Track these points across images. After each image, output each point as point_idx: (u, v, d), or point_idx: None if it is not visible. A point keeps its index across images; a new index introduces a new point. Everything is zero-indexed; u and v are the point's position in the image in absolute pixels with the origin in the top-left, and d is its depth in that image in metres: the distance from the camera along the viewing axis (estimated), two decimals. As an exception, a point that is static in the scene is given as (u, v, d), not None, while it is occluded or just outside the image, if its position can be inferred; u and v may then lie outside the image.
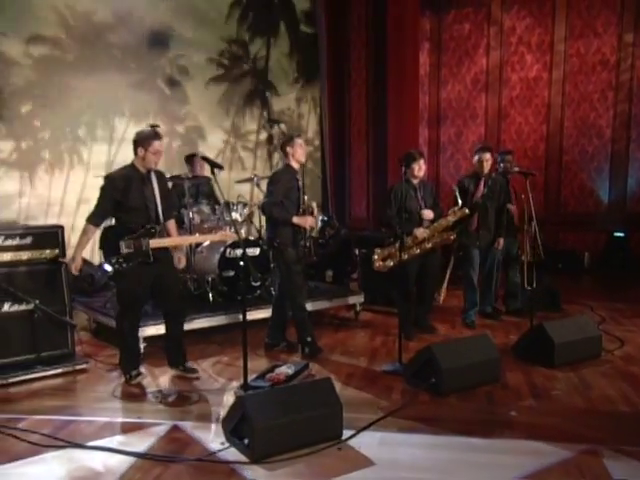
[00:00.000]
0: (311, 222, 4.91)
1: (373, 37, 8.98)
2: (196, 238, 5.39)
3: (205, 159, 4.42)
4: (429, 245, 5.38)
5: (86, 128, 7.63)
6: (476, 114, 9.47)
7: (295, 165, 4.88)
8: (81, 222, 4.36)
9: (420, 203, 5.42)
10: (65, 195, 7.47)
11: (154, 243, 4.12)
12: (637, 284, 8.05)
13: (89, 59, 7.57)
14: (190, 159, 6.71)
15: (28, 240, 4.59)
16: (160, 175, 4.37)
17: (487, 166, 5.74)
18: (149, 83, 8.09)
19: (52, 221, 7.29)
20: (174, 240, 4.51)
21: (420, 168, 5.36)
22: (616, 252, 8.80)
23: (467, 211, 5.42)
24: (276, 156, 9.29)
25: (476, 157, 5.78)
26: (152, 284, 4.24)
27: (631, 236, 8.85)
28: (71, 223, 7.29)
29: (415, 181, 5.42)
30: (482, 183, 5.75)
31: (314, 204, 5.18)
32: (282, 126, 8.05)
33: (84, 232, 4.23)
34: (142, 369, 4.46)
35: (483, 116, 9.44)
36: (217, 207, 6.04)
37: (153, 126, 5.80)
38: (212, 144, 8.60)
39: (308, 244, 4.76)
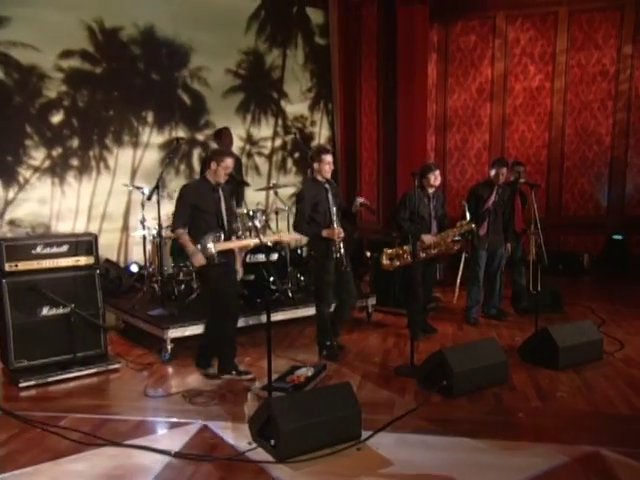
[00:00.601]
0: (337, 232, 4.80)
1: (383, 48, 8.98)
2: (254, 241, 5.11)
3: (231, 176, 4.53)
4: (434, 251, 5.45)
5: (112, 136, 7.74)
6: (481, 122, 9.49)
7: (321, 179, 4.90)
8: (107, 226, 4.49)
9: (431, 212, 5.49)
10: (93, 200, 7.57)
11: (220, 246, 4.30)
12: (635, 285, 8.10)
13: (115, 71, 7.68)
14: (219, 133, 6.66)
15: (64, 248, 4.71)
16: (226, 188, 4.53)
17: (502, 178, 5.94)
18: (171, 93, 8.17)
19: (80, 224, 7.46)
20: (239, 243, 4.71)
21: (436, 178, 5.45)
22: (615, 254, 8.85)
23: (473, 226, 5.49)
24: (289, 161, 9.39)
25: (494, 170, 5.96)
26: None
27: (629, 238, 8.89)
28: (97, 227, 7.49)
29: (430, 190, 5.49)
30: (494, 192, 5.89)
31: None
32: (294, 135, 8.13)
33: (179, 237, 4.43)
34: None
35: (488, 124, 9.46)
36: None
37: (178, 139, 5.93)
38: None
39: (338, 255, 4.77)
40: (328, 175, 4.89)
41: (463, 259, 6.42)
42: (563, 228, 9.14)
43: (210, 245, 4.29)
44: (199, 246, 4.26)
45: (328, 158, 4.85)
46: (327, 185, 4.89)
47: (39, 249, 4.60)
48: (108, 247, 7.41)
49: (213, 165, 4.38)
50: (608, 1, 8.62)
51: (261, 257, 5.72)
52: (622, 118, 8.84)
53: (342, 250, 4.79)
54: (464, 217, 5.50)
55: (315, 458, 3.20)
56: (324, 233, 4.78)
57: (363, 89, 9.22)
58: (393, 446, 3.37)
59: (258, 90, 9.02)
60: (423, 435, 3.53)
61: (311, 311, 5.68)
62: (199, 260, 4.27)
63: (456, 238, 5.43)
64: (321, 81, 9.58)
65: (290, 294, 5.86)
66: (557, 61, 8.99)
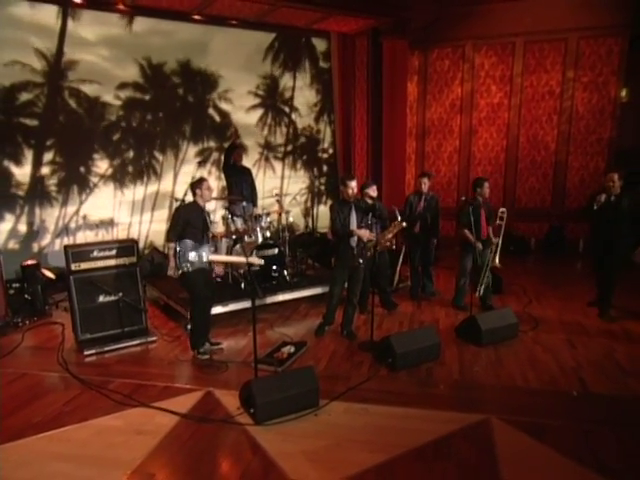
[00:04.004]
0: (363, 233, 4.82)
1: (372, 72, 8.91)
2: (237, 259, 5.30)
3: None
4: (377, 248, 5.46)
5: (159, 148, 7.97)
6: (453, 130, 9.43)
7: (348, 198, 4.82)
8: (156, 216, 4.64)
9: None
10: (144, 200, 7.88)
11: (214, 258, 4.54)
12: (567, 265, 8.16)
13: (160, 97, 7.84)
14: (236, 149, 6.77)
15: (113, 251, 5.02)
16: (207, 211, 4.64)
17: (425, 188, 6.09)
18: (203, 112, 8.32)
19: (135, 220, 7.77)
20: (228, 258, 5.03)
21: (374, 191, 5.29)
22: (555, 238, 8.88)
23: (404, 224, 5.62)
24: (299, 163, 9.51)
25: (418, 180, 6.21)
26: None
27: (566, 226, 8.90)
28: (149, 217, 7.83)
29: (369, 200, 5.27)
30: (423, 199, 6.07)
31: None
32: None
33: (170, 248, 4.45)
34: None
35: (458, 132, 9.39)
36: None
37: (200, 162, 6.10)
38: (251, 156, 8.78)
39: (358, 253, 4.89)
40: (351, 197, 4.80)
41: (403, 252, 6.45)
42: (515, 217, 9.13)
43: (204, 255, 4.44)
44: (193, 254, 4.33)
45: (352, 184, 4.77)
46: (351, 204, 4.84)
47: (95, 253, 4.94)
48: (157, 233, 7.75)
49: (198, 191, 4.47)
50: (555, 34, 8.36)
51: (267, 252, 5.95)
52: (565, 129, 8.71)
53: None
54: (397, 218, 5.64)
55: (283, 422, 3.51)
56: (356, 232, 4.78)
57: (356, 105, 9.20)
58: (341, 413, 3.65)
59: (273, 106, 9.10)
60: (366, 404, 3.75)
61: (305, 293, 5.99)
62: (173, 274, 4.44)
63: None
64: (324, 97, 9.58)
65: (288, 279, 6.11)
66: (514, 82, 8.82)
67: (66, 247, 4.89)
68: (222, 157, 7.28)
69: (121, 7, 7.06)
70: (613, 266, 5.40)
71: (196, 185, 4.53)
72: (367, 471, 3.02)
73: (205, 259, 4.47)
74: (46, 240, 7.07)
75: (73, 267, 4.84)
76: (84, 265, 4.88)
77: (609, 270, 5.44)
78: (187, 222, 4.41)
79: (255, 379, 3.71)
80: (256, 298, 3.94)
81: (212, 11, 7.38)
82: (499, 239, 5.76)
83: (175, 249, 4.41)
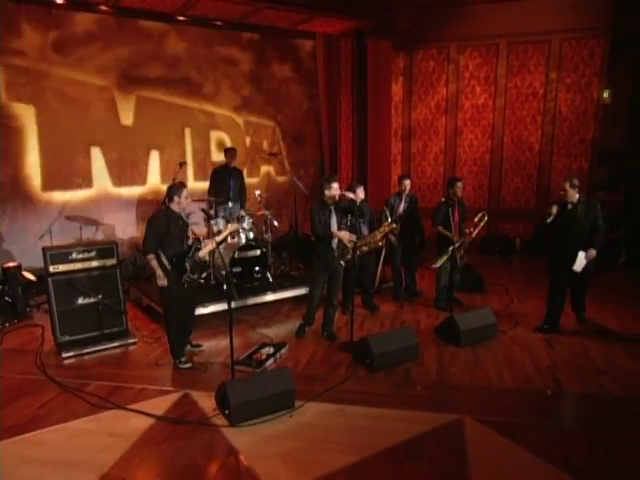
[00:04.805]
0: (343, 235, 4.82)
1: (357, 73, 8.90)
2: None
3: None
4: (366, 248, 5.57)
5: (145, 147, 7.91)
6: (438, 131, 9.47)
7: (328, 200, 4.80)
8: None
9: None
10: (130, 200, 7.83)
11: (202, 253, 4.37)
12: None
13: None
14: (227, 152, 6.89)
15: (93, 253, 5.00)
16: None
17: (407, 189, 6.07)
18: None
19: (120, 220, 7.70)
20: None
21: (361, 192, 5.42)
22: (539, 239, 8.92)
23: (394, 225, 5.67)
24: (286, 162, 9.48)
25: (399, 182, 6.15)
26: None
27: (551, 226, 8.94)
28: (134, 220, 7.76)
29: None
30: (403, 200, 6.08)
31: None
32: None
33: (149, 260, 4.29)
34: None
35: (443, 133, 9.43)
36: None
37: (182, 163, 6.11)
38: (238, 158, 8.73)
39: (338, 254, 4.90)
40: (335, 198, 4.76)
41: (383, 253, 6.41)
42: (501, 217, 9.21)
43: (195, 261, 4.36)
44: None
45: (334, 185, 4.76)
46: (331, 205, 4.83)
47: (74, 255, 4.92)
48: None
49: (176, 198, 4.27)
50: (538, 35, 8.43)
51: (249, 253, 5.95)
52: (548, 130, 8.77)
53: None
54: (386, 220, 5.67)
55: (258, 423, 3.51)
56: (336, 234, 4.79)
57: (342, 106, 9.18)
58: (317, 414, 3.65)
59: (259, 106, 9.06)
60: (343, 405, 3.75)
61: (288, 294, 5.99)
62: (164, 283, 4.29)
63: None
64: (310, 98, 9.53)
65: (271, 280, 6.11)
66: (498, 83, 8.88)
67: (44, 249, 4.87)
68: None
69: (103, 8, 7.03)
70: (585, 275, 5.02)
71: (174, 191, 4.30)
72: (338, 472, 3.03)
73: (196, 265, 4.38)
74: (29, 242, 7.01)
75: (52, 269, 4.82)
76: (63, 267, 4.86)
77: (580, 280, 5.08)
78: (162, 232, 4.21)
79: (230, 380, 3.71)
80: (232, 300, 3.94)
81: (195, 12, 7.37)
82: (464, 238, 5.72)
83: (158, 257, 4.24)
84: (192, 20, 7.70)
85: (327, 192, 4.79)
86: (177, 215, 4.34)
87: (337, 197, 4.78)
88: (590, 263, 4.99)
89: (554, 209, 4.96)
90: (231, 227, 5.05)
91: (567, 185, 4.92)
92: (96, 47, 7.18)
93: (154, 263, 4.26)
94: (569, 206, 4.94)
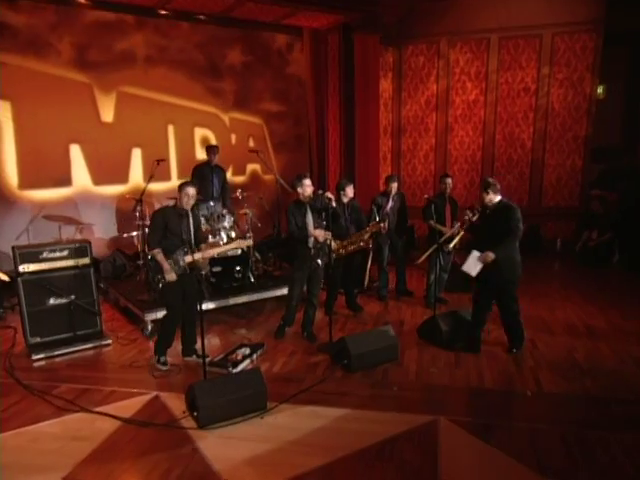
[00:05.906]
0: (318, 234, 4.80)
1: (344, 68, 8.87)
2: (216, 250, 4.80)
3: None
4: (352, 247, 5.56)
5: (125, 145, 7.88)
6: (428, 128, 9.47)
7: (304, 199, 4.78)
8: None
9: (347, 217, 5.60)
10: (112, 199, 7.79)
11: (199, 256, 4.30)
12: (542, 264, 8.21)
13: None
14: (209, 149, 6.86)
15: (65, 252, 4.96)
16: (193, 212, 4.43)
17: (394, 190, 6.06)
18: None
19: (101, 220, 7.67)
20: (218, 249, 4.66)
21: (351, 190, 5.53)
22: (531, 237, 8.91)
23: (382, 225, 5.64)
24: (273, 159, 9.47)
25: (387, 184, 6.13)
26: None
27: (542, 225, 8.97)
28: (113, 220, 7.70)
29: (345, 200, 5.58)
30: (390, 199, 6.07)
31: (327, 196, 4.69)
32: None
33: (155, 255, 4.25)
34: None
35: (434, 130, 9.44)
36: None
37: (159, 161, 6.08)
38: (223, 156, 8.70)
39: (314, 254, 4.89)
40: (309, 195, 4.75)
41: (371, 253, 6.42)
42: (492, 215, 9.20)
43: (180, 259, 4.27)
44: (167, 263, 4.22)
45: (306, 181, 4.74)
46: (306, 205, 4.80)
47: (45, 254, 4.87)
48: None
49: (178, 195, 4.29)
50: (529, 29, 8.44)
51: (230, 253, 5.89)
52: (541, 127, 8.78)
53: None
54: (374, 219, 5.65)
55: (227, 425, 3.48)
56: (312, 232, 4.76)
57: (329, 102, 9.16)
58: (288, 416, 3.61)
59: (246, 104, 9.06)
60: (316, 406, 3.72)
61: (269, 294, 5.97)
62: (172, 277, 4.23)
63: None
64: (297, 94, 9.52)
65: (252, 280, 6.08)
66: (489, 79, 8.89)
67: (14, 248, 4.83)
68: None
69: (82, 1, 7.00)
70: (507, 295, 4.53)
71: (179, 189, 4.29)
72: (306, 474, 2.99)
73: (182, 263, 4.30)
74: (4, 242, 6.96)
75: (21, 269, 4.78)
76: (33, 267, 4.82)
77: (507, 302, 4.57)
78: (160, 228, 4.24)
79: (198, 381, 3.68)
80: (203, 300, 3.91)
81: (175, 6, 7.35)
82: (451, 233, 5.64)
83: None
84: (174, 14, 7.68)
85: (300, 190, 4.78)
86: (180, 212, 4.28)
87: (312, 193, 4.76)
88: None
89: (470, 214, 4.68)
90: (240, 242, 4.82)
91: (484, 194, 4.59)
92: (74, 41, 7.15)
93: (159, 257, 4.24)
94: (487, 211, 4.62)
